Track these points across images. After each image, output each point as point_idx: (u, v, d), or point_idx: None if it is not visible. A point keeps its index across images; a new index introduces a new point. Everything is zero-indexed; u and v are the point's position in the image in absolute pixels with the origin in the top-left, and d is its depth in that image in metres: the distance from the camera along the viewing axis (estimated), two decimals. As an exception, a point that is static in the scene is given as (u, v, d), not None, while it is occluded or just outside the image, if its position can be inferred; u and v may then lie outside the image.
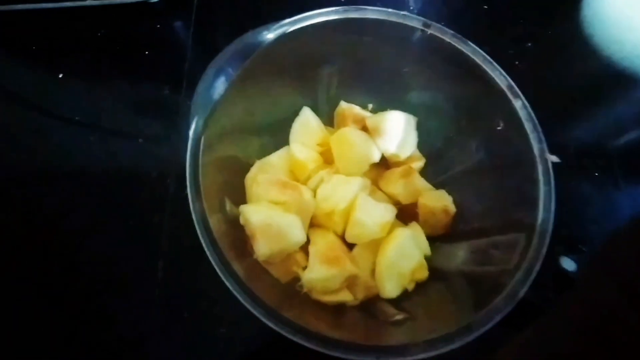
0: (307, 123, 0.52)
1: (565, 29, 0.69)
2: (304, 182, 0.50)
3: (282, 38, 0.44)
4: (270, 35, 0.43)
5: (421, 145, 0.54)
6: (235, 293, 0.37)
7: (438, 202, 0.49)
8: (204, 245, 0.37)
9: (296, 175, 0.51)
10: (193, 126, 0.40)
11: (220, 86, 0.41)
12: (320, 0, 0.68)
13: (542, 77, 0.64)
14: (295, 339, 0.36)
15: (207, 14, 0.68)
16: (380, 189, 0.52)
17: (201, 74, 0.63)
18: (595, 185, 0.58)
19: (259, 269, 0.45)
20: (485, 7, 0.69)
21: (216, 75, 0.41)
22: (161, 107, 0.62)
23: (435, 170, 0.54)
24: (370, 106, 0.55)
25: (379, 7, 0.46)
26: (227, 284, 0.37)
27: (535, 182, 0.41)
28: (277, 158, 0.51)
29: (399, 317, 0.43)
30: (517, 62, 0.64)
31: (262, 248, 0.42)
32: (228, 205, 0.44)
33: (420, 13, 0.69)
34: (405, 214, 0.51)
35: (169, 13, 0.68)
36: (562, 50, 0.67)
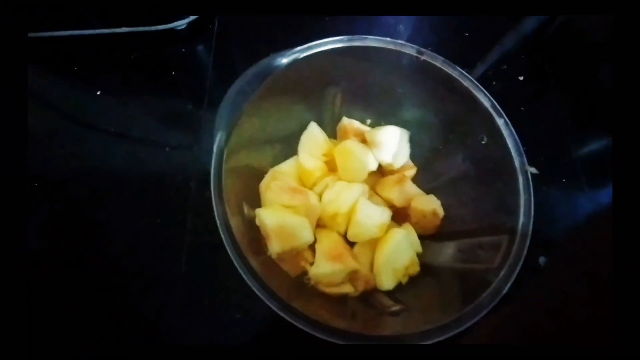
0: (313, 136, 0.51)
1: (533, 54, 0.68)
2: (311, 188, 0.49)
3: (295, 63, 0.43)
4: (284, 60, 0.42)
5: (413, 156, 0.53)
6: (251, 286, 0.36)
7: (428, 205, 0.48)
8: (225, 244, 0.36)
9: (304, 182, 0.49)
10: (217, 139, 0.39)
11: (240, 104, 0.40)
12: (324, 29, 0.68)
13: (514, 95, 0.64)
14: (302, 327, 0.35)
15: (225, 40, 0.67)
16: (377, 194, 0.51)
17: (220, 92, 0.62)
18: (562, 190, 0.57)
19: (272, 264, 0.43)
20: (467, 34, 0.68)
21: (237, 95, 0.40)
22: (185, 120, 0.61)
23: (426, 178, 0.53)
24: (368, 121, 0.54)
25: (374, 33, 0.46)
26: (245, 277, 0.36)
27: (516, 191, 0.40)
28: (287, 166, 0.50)
29: (395, 308, 0.42)
30: (494, 82, 0.63)
31: (275, 246, 0.41)
32: (246, 209, 0.43)
33: (409, 38, 0.68)
34: (399, 215, 0.50)
35: (193, 39, 0.67)
36: (531, 71, 0.66)
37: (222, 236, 0.36)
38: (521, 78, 0.65)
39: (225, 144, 0.39)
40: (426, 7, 0.59)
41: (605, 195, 0.58)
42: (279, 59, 0.42)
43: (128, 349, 0.47)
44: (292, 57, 0.43)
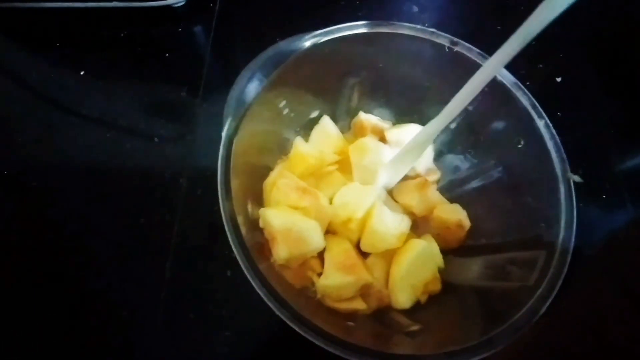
0: (326, 131, 0.51)
1: (573, 53, 0.68)
2: (300, 177, 0.48)
3: (313, 48, 0.44)
4: (302, 44, 0.43)
5: (437, 159, 0.54)
6: (259, 292, 0.35)
7: (453, 215, 0.48)
8: (232, 244, 0.36)
9: (292, 167, 0.49)
10: (226, 127, 0.39)
11: (252, 90, 0.41)
12: (334, 15, 0.69)
13: (550, 98, 0.64)
14: (314, 340, 0.34)
15: (227, 22, 0.69)
16: (395, 200, 0.51)
17: (218, 79, 0.64)
18: (601, 207, 0.57)
19: (274, 273, 0.43)
20: (499, 27, 0.69)
21: (250, 80, 0.41)
22: (178, 109, 0.62)
23: (450, 184, 0.53)
24: (387, 118, 0.55)
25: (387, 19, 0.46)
26: (252, 282, 0.35)
27: (556, 200, 0.40)
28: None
29: (413, 327, 0.42)
30: (527, 83, 0.63)
31: (282, 251, 0.41)
32: (250, 208, 0.43)
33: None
34: (419, 226, 0.50)
35: (191, 18, 0.68)
36: (570, 72, 0.66)
37: (229, 236, 0.36)
38: (559, 79, 0.65)
39: (235, 133, 0.39)
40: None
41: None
42: (296, 43, 0.43)
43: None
44: (312, 41, 0.43)
